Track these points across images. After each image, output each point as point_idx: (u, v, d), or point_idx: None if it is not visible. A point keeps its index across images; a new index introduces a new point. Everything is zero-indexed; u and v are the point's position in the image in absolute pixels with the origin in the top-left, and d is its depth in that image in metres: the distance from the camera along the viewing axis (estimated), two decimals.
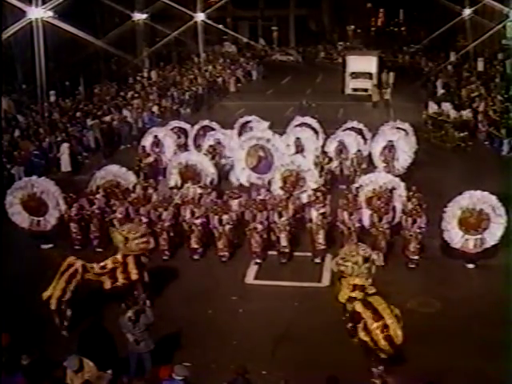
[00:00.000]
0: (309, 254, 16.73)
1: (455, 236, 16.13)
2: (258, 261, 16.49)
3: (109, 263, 13.88)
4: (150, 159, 22.93)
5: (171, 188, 19.44)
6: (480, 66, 44.88)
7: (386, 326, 11.22)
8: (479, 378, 11.28)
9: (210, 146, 22.92)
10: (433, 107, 31.01)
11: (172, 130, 24.90)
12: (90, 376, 9.61)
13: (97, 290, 13.95)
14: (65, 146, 25.18)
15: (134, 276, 13.83)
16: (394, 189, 17.56)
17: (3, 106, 30.23)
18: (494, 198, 15.96)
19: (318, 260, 16.47)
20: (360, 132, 23.72)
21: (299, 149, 22.32)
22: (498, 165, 23.64)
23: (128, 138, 29.14)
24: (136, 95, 36.18)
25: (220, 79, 44.95)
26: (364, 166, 21.91)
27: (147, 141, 23.77)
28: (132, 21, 44.18)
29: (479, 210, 15.92)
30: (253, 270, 16.23)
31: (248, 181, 20.91)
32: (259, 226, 16.35)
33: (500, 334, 12.14)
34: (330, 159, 22.11)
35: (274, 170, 20.45)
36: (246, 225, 16.82)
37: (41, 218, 17.64)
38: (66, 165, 24.82)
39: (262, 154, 21.14)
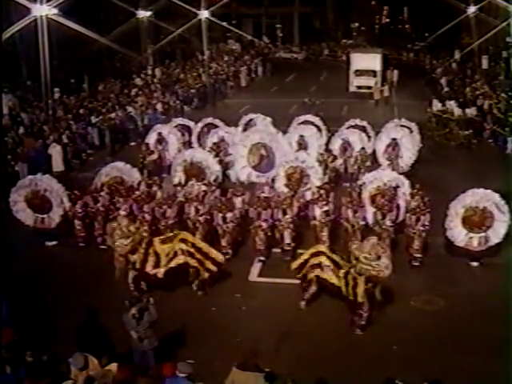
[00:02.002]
0: None
1: (459, 234, 16.11)
2: (262, 258, 16.50)
3: None
4: (154, 156, 22.95)
5: (175, 185, 19.44)
6: (484, 63, 44.88)
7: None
8: (483, 376, 11.23)
9: (214, 143, 22.94)
10: (437, 105, 31.01)
11: (176, 127, 24.91)
12: (94, 373, 9.61)
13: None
14: (52, 146, 24.87)
15: None
16: (397, 186, 17.52)
17: (8, 103, 30.31)
18: (497, 195, 15.94)
19: None
20: (364, 129, 23.73)
21: (303, 146, 22.32)
22: (502, 163, 23.58)
23: (133, 135, 29.21)
24: (140, 92, 36.24)
25: (231, 73, 45.23)
26: (368, 163, 21.88)
27: (151, 138, 23.80)
28: (136, 18, 44.17)
29: (483, 208, 15.90)
30: (256, 267, 16.24)
31: (248, 179, 20.91)
32: (264, 224, 16.37)
33: (504, 332, 12.11)
34: (335, 157, 22.12)
35: (275, 168, 20.47)
36: (250, 222, 16.83)
37: (45, 216, 17.68)
38: (58, 164, 24.45)
39: (264, 152, 21.17)
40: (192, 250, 14.36)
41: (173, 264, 14.27)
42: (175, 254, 14.33)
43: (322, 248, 14.26)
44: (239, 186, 19.54)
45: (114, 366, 9.92)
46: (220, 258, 14.76)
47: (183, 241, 14.48)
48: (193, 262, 14.34)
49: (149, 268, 14.35)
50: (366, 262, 13.00)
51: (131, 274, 14.44)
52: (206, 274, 14.50)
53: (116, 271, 14.91)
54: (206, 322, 13.39)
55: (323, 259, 13.61)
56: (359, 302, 12.90)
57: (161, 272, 14.24)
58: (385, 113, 33.00)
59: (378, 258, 12.96)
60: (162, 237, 14.97)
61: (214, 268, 14.52)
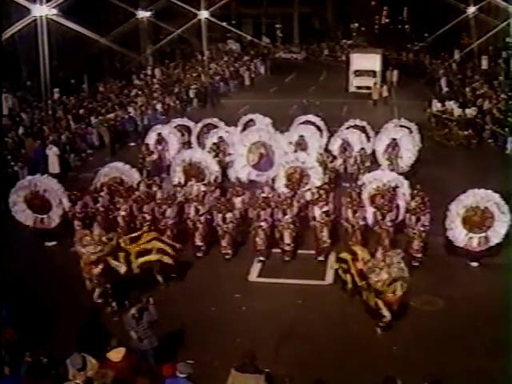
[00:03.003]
0: (312, 252, 16.73)
1: (459, 234, 16.11)
2: (262, 258, 16.49)
3: None
4: (154, 157, 22.95)
5: (175, 185, 19.44)
6: (484, 64, 44.88)
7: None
8: (482, 376, 11.26)
9: (214, 143, 22.92)
10: (436, 105, 31.00)
11: (175, 127, 24.90)
12: (93, 374, 9.61)
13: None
14: (49, 148, 24.75)
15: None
16: (397, 187, 17.52)
17: (8, 104, 30.31)
18: (497, 196, 15.93)
19: (321, 258, 16.45)
20: (363, 130, 23.71)
21: (302, 146, 22.30)
22: (502, 163, 23.57)
23: (132, 135, 29.22)
24: (140, 93, 36.24)
25: (232, 72, 45.63)
26: (368, 163, 21.87)
27: (151, 138, 23.77)
28: (136, 18, 44.21)
29: (483, 208, 15.89)
30: (256, 267, 16.23)
31: (248, 178, 20.91)
32: (264, 224, 16.36)
33: (504, 332, 12.11)
34: (334, 157, 22.10)
35: (275, 167, 20.47)
36: (250, 223, 16.83)
37: (44, 216, 17.68)
38: (54, 167, 24.25)
39: (263, 151, 21.17)
40: (167, 247, 14.83)
41: (145, 259, 14.40)
42: (149, 252, 14.57)
43: (355, 247, 14.50)
44: (239, 185, 19.47)
45: (121, 351, 9.97)
46: (178, 245, 15.39)
47: (158, 239, 14.97)
48: (166, 259, 14.69)
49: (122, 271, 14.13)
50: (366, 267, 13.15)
51: (97, 292, 14.05)
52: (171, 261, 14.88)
53: (86, 282, 14.25)
54: (205, 322, 13.39)
55: (348, 257, 14.08)
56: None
57: (134, 268, 14.26)
58: (384, 113, 33.01)
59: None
60: (127, 237, 14.96)
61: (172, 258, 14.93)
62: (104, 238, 14.14)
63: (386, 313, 12.80)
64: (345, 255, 14.21)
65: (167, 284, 14.97)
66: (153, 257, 14.55)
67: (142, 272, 14.43)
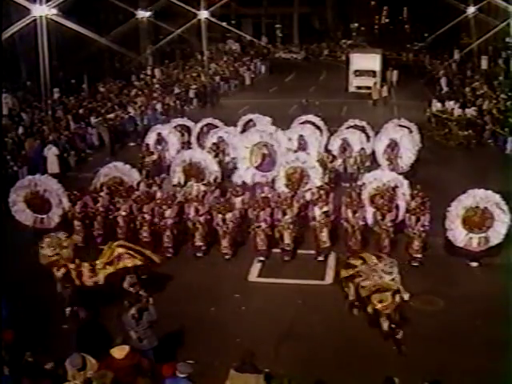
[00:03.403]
0: (312, 251, 16.73)
1: (459, 235, 16.09)
2: (262, 258, 16.48)
3: None
4: (154, 157, 22.93)
5: (175, 185, 19.43)
6: (484, 64, 44.92)
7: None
8: (482, 376, 11.25)
9: (214, 143, 22.93)
10: (436, 105, 31.03)
11: (175, 127, 24.90)
12: (92, 374, 9.60)
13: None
14: (48, 148, 24.68)
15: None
16: (397, 187, 17.51)
17: (8, 104, 30.32)
18: (497, 196, 15.93)
19: (321, 258, 16.45)
20: (363, 130, 23.71)
21: (302, 146, 22.29)
22: (502, 163, 23.58)
23: (132, 135, 29.22)
24: (140, 93, 36.25)
25: (232, 72, 45.87)
26: (367, 163, 21.89)
27: (151, 138, 23.76)
28: (136, 18, 44.26)
29: (483, 208, 15.88)
30: (256, 267, 16.23)
31: (253, 180, 20.87)
32: (263, 224, 16.35)
33: (504, 332, 12.11)
34: (334, 157, 22.09)
35: (277, 166, 20.44)
36: (250, 222, 16.82)
37: (44, 216, 17.68)
38: (53, 167, 24.15)
39: (265, 151, 21.13)
40: (131, 252, 14.10)
41: (120, 266, 13.81)
42: (118, 259, 13.92)
43: (364, 254, 14.00)
44: (239, 185, 19.44)
45: (125, 349, 9.97)
46: (157, 259, 14.53)
47: (120, 246, 14.29)
48: (139, 262, 13.99)
49: (85, 278, 13.72)
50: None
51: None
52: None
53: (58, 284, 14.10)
54: (205, 322, 13.38)
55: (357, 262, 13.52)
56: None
57: (100, 278, 13.70)
58: (384, 113, 33.02)
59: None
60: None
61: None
62: (65, 243, 14.04)
63: (384, 323, 12.63)
64: (355, 261, 13.70)
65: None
66: (128, 262, 13.91)
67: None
